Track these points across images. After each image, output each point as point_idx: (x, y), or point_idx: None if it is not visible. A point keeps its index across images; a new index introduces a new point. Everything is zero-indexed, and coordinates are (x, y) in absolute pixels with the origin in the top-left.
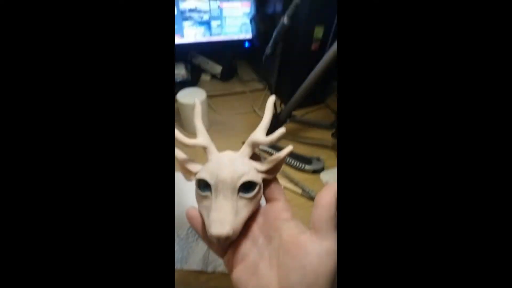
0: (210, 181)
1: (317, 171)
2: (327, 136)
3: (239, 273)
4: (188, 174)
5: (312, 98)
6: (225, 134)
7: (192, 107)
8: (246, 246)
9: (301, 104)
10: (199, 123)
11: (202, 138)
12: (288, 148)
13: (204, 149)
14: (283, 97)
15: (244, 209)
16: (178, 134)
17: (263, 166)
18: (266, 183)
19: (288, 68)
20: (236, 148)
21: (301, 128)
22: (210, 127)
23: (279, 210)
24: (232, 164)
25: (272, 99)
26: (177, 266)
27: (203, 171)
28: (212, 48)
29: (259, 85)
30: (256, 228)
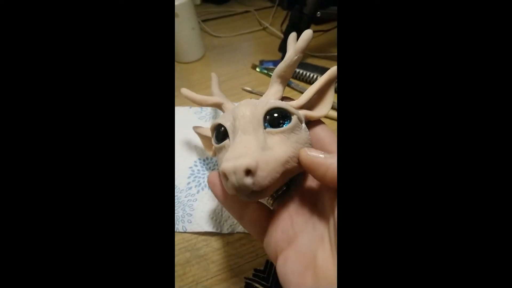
0: (225, 123)
1: None
2: None
3: (287, 264)
4: (209, 145)
5: None
6: (228, 59)
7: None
8: (295, 223)
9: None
10: (216, 89)
11: (217, 96)
12: (331, 71)
13: (219, 107)
14: (293, 14)
15: (277, 146)
16: (188, 91)
17: (299, 101)
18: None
19: None
20: (244, 75)
21: (332, 42)
22: (206, 52)
23: None
24: (255, 102)
25: (293, 35)
26: (178, 227)
27: (217, 120)
28: None
29: (266, 3)
30: (308, 197)
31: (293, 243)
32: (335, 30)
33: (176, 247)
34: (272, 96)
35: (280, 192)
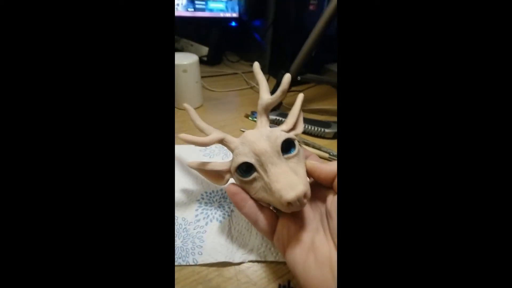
0: (250, 160)
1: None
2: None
3: (294, 251)
4: (216, 178)
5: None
6: (223, 109)
7: (182, 67)
8: (296, 222)
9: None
10: (201, 123)
11: (215, 133)
12: (300, 97)
13: (222, 142)
14: (279, 77)
15: (298, 167)
16: (187, 136)
17: (287, 125)
18: None
19: (280, 44)
20: (239, 122)
21: (310, 99)
22: (204, 102)
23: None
24: (261, 135)
25: (256, 64)
26: (189, 260)
27: (238, 158)
28: (197, 29)
29: (251, 68)
30: None
31: (295, 236)
32: (309, 90)
33: (187, 281)
34: (265, 125)
35: None
